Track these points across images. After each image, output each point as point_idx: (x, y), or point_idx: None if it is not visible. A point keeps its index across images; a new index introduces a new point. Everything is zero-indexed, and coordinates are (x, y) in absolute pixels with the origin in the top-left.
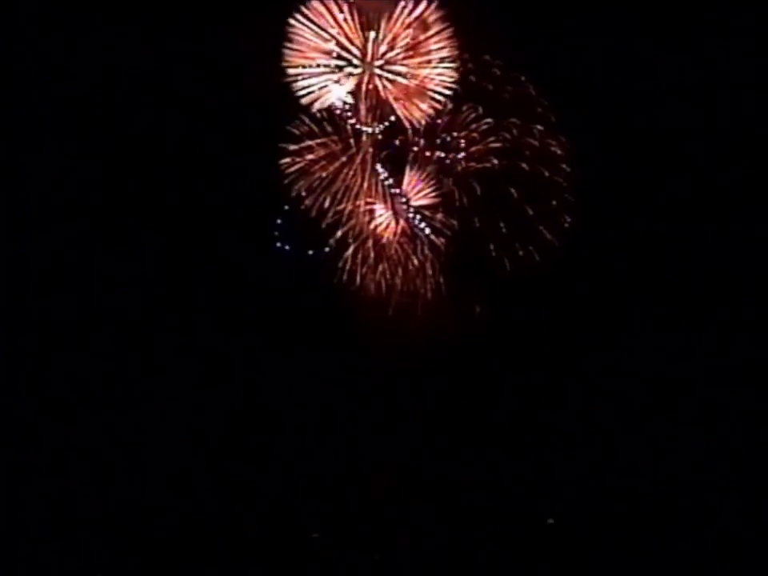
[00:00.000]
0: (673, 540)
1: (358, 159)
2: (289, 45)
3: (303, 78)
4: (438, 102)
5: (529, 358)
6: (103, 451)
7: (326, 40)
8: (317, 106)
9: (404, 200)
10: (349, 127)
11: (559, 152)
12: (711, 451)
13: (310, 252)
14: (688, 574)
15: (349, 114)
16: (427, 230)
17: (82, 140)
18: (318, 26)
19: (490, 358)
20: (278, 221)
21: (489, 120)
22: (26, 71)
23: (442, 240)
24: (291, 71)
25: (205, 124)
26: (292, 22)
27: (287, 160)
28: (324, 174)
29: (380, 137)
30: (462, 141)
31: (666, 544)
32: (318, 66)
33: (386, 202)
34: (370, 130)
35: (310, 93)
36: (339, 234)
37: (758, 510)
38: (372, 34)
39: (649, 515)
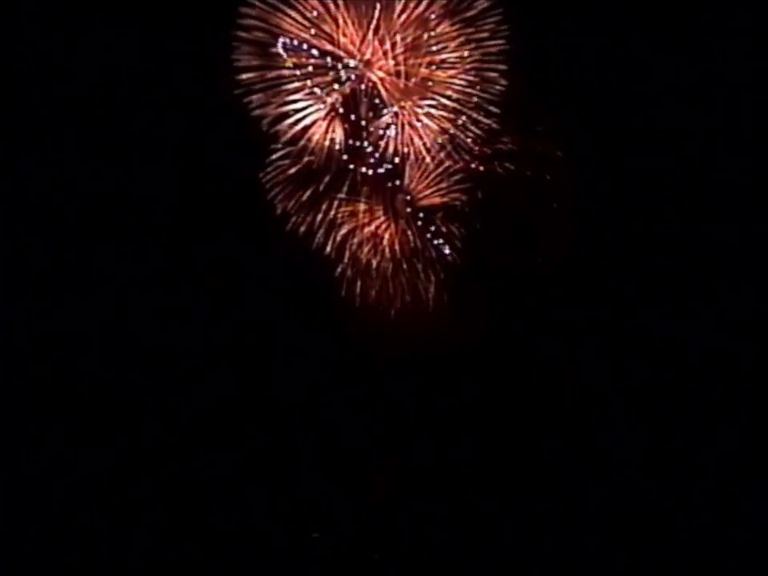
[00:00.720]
0: (672, 540)
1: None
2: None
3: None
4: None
5: (530, 360)
6: (101, 451)
7: (315, 35)
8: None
9: (408, 198)
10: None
11: (560, 154)
12: (712, 452)
13: (308, 255)
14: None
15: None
16: (436, 242)
17: (80, 140)
18: (308, 20)
19: (492, 360)
20: (273, 226)
21: (490, 121)
22: (25, 71)
23: (447, 245)
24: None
25: (203, 124)
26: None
27: (285, 162)
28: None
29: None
30: (476, 147)
31: (665, 544)
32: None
33: (386, 203)
34: (371, 171)
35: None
36: (338, 237)
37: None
38: (374, 23)
39: (649, 516)
